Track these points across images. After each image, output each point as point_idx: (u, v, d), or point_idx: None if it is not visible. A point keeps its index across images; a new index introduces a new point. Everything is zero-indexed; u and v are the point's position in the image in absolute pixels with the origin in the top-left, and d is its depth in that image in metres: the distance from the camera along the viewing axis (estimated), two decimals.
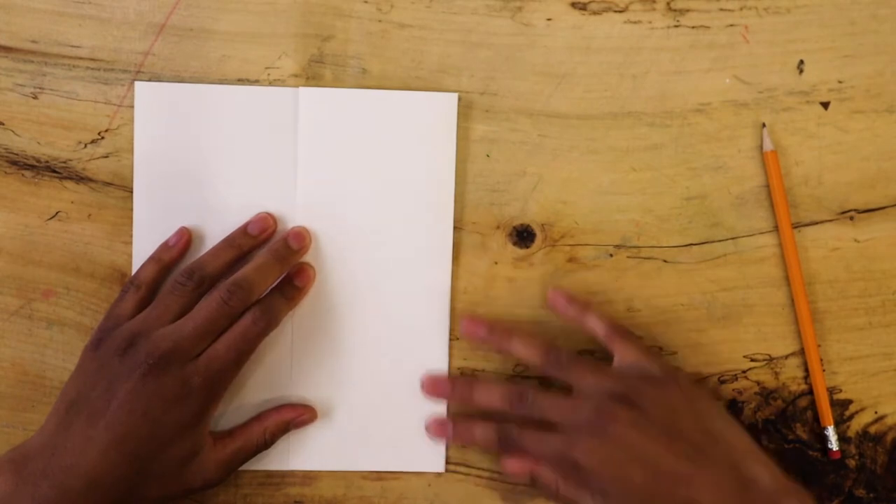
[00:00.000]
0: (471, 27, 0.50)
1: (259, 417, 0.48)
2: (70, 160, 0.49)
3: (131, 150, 0.49)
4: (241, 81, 0.50)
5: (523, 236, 0.51)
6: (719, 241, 0.51)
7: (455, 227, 0.50)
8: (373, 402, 0.50)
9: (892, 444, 0.51)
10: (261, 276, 0.46)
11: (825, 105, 0.51)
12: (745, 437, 0.45)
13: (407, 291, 0.50)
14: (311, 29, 0.50)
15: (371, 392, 0.50)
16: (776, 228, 0.51)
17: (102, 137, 0.50)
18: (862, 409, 0.51)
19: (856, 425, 0.51)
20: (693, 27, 0.50)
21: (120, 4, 0.49)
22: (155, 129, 0.49)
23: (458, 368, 0.50)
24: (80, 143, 0.49)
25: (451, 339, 0.50)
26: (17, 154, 0.49)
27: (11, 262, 0.50)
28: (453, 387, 0.49)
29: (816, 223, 0.51)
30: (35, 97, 0.49)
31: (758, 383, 0.51)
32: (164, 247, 0.48)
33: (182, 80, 0.49)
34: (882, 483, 0.51)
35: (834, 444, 0.50)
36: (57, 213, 0.50)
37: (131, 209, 0.49)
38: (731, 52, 0.50)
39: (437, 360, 0.50)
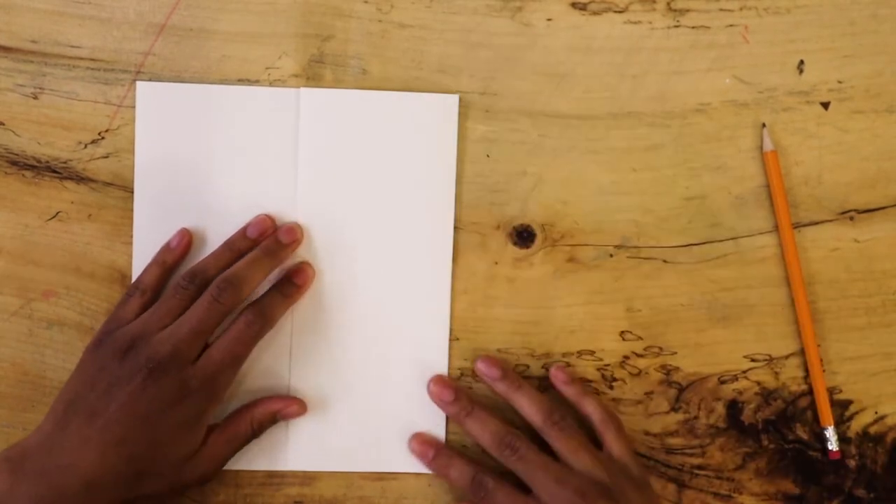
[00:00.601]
0: (471, 27, 0.50)
1: (246, 407, 0.48)
2: (70, 160, 0.50)
3: (131, 151, 0.49)
4: (241, 81, 0.50)
5: (523, 236, 0.51)
6: (719, 241, 0.51)
7: (455, 227, 0.50)
8: (373, 402, 0.50)
9: (892, 445, 0.51)
10: (251, 272, 0.46)
11: (825, 105, 0.51)
12: None
13: (407, 291, 0.50)
14: (311, 29, 0.50)
15: (371, 392, 0.50)
16: (776, 228, 0.51)
17: (102, 137, 0.50)
18: (862, 410, 0.51)
19: (856, 425, 0.51)
20: (693, 27, 0.50)
21: (120, 4, 0.49)
22: (156, 128, 0.49)
23: (458, 369, 0.50)
24: (80, 143, 0.50)
25: (451, 340, 0.50)
26: (17, 154, 0.49)
27: (11, 262, 0.50)
28: (455, 399, 0.49)
29: (816, 223, 0.51)
30: (35, 97, 0.49)
31: (758, 383, 0.51)
32: (166, 249, 0.49)
33: (182, 81, 0.49)
34: (882, 483, 0.51)
35: (834, 445, 0.50)
36: (57, 213, 0.50)
37: (131, 209, 0.49)
38: (731, 52, 0.50)
39: (437, 360, 0.50)
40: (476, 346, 0.50)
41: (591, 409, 0.49)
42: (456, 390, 0.49)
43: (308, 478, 0.50)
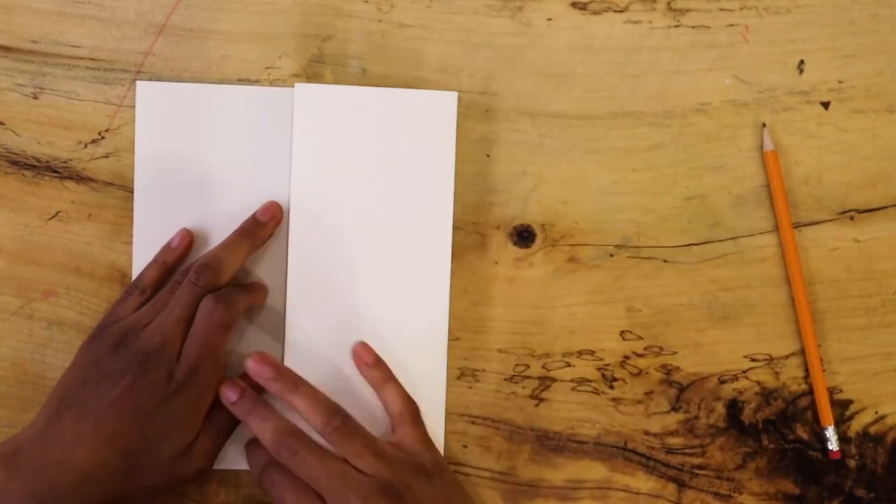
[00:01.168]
0: (471, 27, 0.50)
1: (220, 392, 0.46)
2: (70, 160, 0.50)
3: (131, 150, 0.49)
4: (241, 81, 0.50)
5: (523, 236, 0.51)
6: (719, 241, 0.51)
7: (455, 227, 0.50)
8: (373, 401, 0.50)
9: (892, 445, 0.51)
10: (229, 254, 0.46)
11: (825, 105, 0.51)
12: None
13: (406, 291, 0.50)
14: (311, 29, 0.50)
15: (370, 392, 0.50)
16: (776, 228, 0.51)
17: (103, 137, 0.50)
18: (862, 410, 0.51)
19: (856, 425, 0.51)
20: (693, 27, 0.50)
21: (120, 4, 0.49)
22: (156, 128, 0.49)
23: (458, 369, 0.50)
24: (80, 142, 0.50)
25: (450, 339, 0.50)
26: (17, 154, 0.49)
27: (11, 262, 0.50)
28: (276, 376, 0.45)
29: (816, 223, 0.51)
30: (35, 97, 0.49)
31: (758, 383, 0.51)
32: (167, 248, 0.48)
33: (182, 80, 0.49)
34: (882, 483, 0.51)
35: (834, 445, 0.50)
36: (57, 213, 0.50)
37: (131, 209, 0.49)
38: (731, 52, 0.50)
39: (437, 360, 0.50)
40: (476, 345, 0.50)
41: (389, 397, 0.48)
42: (273, 368, 0.45)
43: None
